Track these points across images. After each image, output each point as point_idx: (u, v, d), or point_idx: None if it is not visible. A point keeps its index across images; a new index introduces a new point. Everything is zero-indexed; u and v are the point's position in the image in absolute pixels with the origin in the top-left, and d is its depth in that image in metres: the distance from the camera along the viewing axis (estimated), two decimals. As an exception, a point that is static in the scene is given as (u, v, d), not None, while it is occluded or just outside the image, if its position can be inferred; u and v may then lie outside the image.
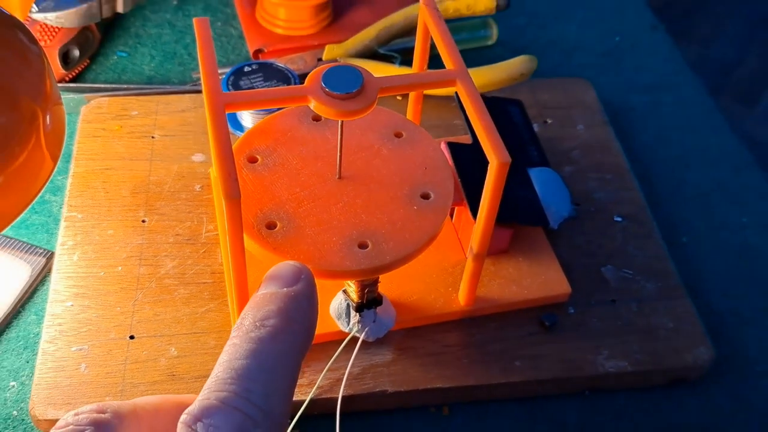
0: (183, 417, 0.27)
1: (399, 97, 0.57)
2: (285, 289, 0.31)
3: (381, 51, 0.60)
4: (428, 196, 0.40)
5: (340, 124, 0.39)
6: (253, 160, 0.41)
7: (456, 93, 0.49)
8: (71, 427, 0.29)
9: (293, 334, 0.30)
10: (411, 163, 0.42)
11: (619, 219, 0.51)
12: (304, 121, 0.43)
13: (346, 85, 0.36)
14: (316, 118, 0.43)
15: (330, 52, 0.59)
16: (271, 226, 0.38)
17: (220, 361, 0.29)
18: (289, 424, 0.39)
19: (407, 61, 0.58)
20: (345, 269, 0.37)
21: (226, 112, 0.36)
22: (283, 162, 0.41)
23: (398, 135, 0.43)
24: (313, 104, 0.36)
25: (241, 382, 0.28)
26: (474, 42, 0.66)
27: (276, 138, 0.42)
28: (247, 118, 0.52)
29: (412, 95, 0.47)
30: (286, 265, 0.32)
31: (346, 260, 0.38)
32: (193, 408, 0.27)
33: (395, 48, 0.61)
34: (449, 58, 0.40)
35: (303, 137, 0.42)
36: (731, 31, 1.80)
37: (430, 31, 0.42)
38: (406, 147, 0.43)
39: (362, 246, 0.38)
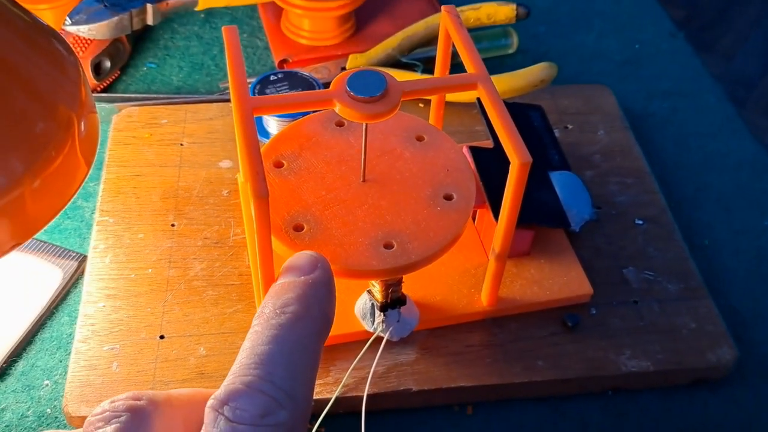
0: (210, 402, 0.28)
1: (421, 104, 0.58)
2: (303, 277, 0.32)
3: (403, 60, 0.61)
4: (451, 197, 0.41)
5: (364, 127, 0.40)
6: (279, 165, 0.42)
7: (477, 99, 0.50)
8: (108, 413, 0.30)
9: (312, 319, 0.31)
10: (433, 166, 0.43)
11: (640, 222, 0.51)
12: (327, 126, 0.44)
13: (370, 89, 0.37)
14: (340, 124, 0.44)
15: (353, 61, 0.60)
16: (298, 228, 0.39)
17: (243, 348, 0.30)
18: (313, 412, 0.40)
19: (429, 70, 0.59)
20: (372, 269, 0.38)
21: (254, 116, 0.37)
22: (309, 166, 0.42)
23: (420, 138, 0.44)
24: (338, 108, 0.37)
25: (265, 367, 0.29)
26: (495, 50, 0.66)
27: (301, 143, 0.43)
28: (273, 125, 0.54)
29: (434, 101, 0.48)
30: (302, 255, 0.33)
31: (372, 260, 0.38)
32: (220, 393, 0.28)
33: (417, 57, 0.62)
34: (470, 62, 0.41)
35: (327, 142, 0.43)
36: (755, 44, 1.79)
37: (451, 37, 0.43)
38: (428, 150, 0.43)
39: (388, 246, 0.39)
